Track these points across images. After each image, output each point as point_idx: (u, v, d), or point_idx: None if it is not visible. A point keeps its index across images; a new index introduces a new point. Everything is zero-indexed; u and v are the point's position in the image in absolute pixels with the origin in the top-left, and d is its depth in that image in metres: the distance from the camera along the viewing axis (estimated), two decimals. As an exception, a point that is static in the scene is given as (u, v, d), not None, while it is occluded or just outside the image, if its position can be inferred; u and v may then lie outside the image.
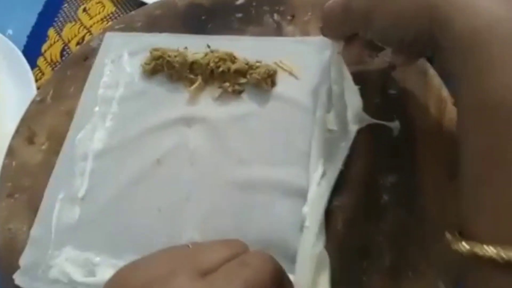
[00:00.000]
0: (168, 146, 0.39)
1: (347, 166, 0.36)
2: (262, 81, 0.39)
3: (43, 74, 0.55)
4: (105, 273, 0.34)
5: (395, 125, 0.37)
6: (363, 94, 0.35)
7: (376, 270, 0.33)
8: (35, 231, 0.37)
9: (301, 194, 0.35)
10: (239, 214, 0.36)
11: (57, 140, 0.41)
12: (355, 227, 0.35)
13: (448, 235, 0.25)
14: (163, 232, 0.36)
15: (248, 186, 0.37)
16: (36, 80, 0.52)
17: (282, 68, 0.41)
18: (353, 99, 0.34)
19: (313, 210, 0.34)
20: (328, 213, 0.35)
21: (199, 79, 0.41)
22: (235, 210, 0.36)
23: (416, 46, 0.30)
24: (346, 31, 0.34)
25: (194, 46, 0.42)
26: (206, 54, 0.41)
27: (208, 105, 0.41)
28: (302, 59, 0.41)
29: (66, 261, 0.35)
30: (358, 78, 0.35)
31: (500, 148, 0.23)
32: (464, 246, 0.23)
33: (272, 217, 0.35)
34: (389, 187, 0.35)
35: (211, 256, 0.25)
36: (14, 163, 0.41)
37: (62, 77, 0.45)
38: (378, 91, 0.39)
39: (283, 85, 0.40)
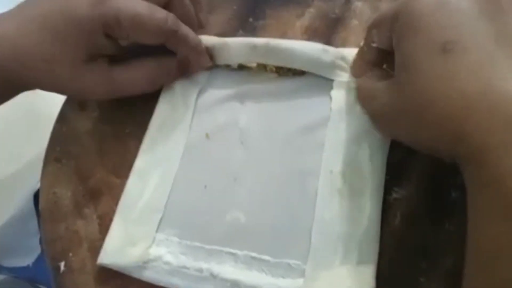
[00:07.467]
0: (219, 121, 0.38)
1: (410, 153, 0.33)
2: None
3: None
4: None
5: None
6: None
7: (436, 272, 0.30)
8: None
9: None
10: (289, 201, 0.34)
11: (108, 109, 0.40)
12: (416, 224, 0.32)
13: None
14: (207, 210, 0.34)
15: (302, 174, 0.34)
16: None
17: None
18: None
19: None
20: (386, 207, 0.32)
21: None
22: (286, 196, 0.34)
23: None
24: None
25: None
26: None
27: (265, 83, 0.38)
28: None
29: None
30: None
31: None
32: None
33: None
34: (460, 184, 0.32)
35: None
36: (64, 128, 0.40)
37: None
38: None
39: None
